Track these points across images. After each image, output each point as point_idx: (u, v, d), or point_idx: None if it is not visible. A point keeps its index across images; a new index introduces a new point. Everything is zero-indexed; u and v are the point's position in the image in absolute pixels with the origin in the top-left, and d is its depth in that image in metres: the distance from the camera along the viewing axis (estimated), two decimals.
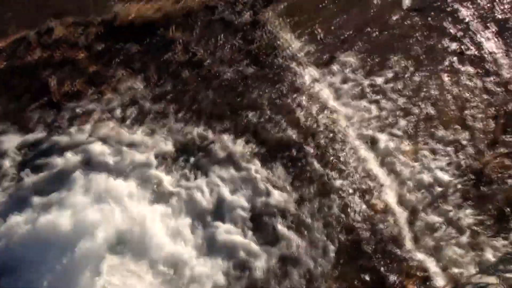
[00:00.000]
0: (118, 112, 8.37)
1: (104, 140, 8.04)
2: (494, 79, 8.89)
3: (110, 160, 7.84)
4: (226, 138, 8.18)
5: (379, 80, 8.91)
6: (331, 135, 8.32)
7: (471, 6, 9.74)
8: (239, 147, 8.10)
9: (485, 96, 8.74)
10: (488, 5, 9.75)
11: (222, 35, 9.24)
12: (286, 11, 9.61)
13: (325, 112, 8.54)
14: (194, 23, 9.31)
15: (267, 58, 9.03)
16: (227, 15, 9.44)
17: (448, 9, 9.75)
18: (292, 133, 8.25)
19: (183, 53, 9.01)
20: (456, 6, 9.76)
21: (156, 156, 7.95)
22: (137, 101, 8.50)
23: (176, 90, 8.65)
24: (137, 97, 8.54)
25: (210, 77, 8.80)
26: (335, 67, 9.04)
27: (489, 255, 7.29)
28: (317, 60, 9.12)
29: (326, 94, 8.75)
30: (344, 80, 8.93)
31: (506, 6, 9.74)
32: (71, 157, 7.81)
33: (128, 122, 8.29)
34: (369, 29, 9.47)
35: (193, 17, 9.37)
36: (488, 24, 9.51)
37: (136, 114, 8.37)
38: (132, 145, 8.03)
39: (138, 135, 8.14)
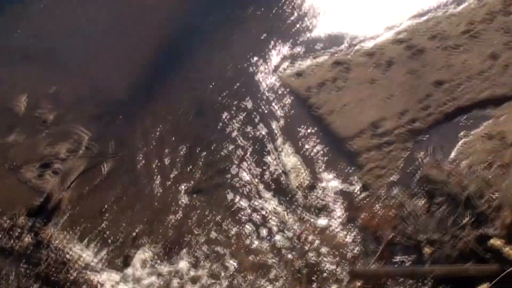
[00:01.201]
0: None
1: None
2: (286, 235, 9.52)
3: None
4: None
5: (181, 265, 9.02)
6: None
7: (248, 182, 10.56)
8: None
9: (283, 254, 9.22)
10: (268, 172, 10.76)
11: (5, 264, 8.56)
12: (69, 223, 9.42)
13: None
14: None
15: (59, 276, 8.54)
16: (4, 242, 8.82)
17: (225, 185, 10.28)
18: None
19: None
20: (232, 182, 10.40)
21: None
22: None
23: None
24: None
25: None
26: (134, 265, 8.94)
27: None
28: (113, 264, 8.94)
29: None
30: (147, 275, 8.84)
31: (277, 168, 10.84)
32: None
33: None
34: (157, 219, 9.73)
35: None
36: (266, 191, 10.36)
37: None
38: None
39: None
